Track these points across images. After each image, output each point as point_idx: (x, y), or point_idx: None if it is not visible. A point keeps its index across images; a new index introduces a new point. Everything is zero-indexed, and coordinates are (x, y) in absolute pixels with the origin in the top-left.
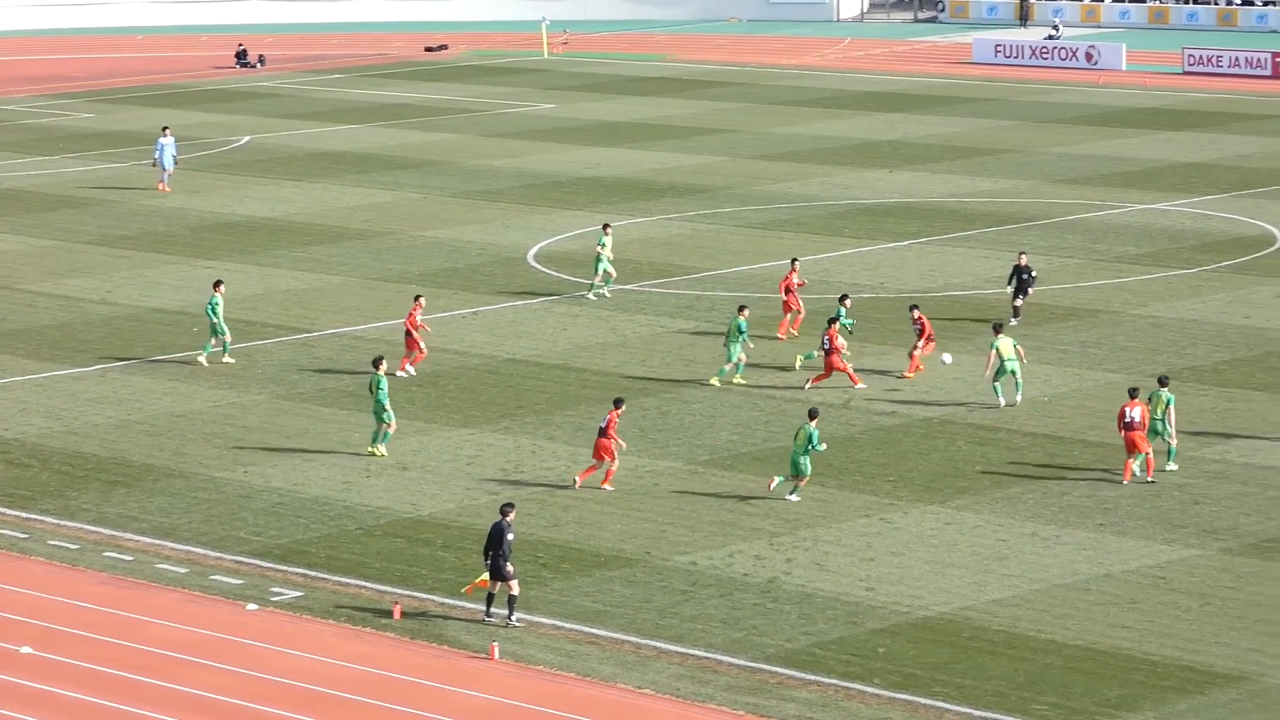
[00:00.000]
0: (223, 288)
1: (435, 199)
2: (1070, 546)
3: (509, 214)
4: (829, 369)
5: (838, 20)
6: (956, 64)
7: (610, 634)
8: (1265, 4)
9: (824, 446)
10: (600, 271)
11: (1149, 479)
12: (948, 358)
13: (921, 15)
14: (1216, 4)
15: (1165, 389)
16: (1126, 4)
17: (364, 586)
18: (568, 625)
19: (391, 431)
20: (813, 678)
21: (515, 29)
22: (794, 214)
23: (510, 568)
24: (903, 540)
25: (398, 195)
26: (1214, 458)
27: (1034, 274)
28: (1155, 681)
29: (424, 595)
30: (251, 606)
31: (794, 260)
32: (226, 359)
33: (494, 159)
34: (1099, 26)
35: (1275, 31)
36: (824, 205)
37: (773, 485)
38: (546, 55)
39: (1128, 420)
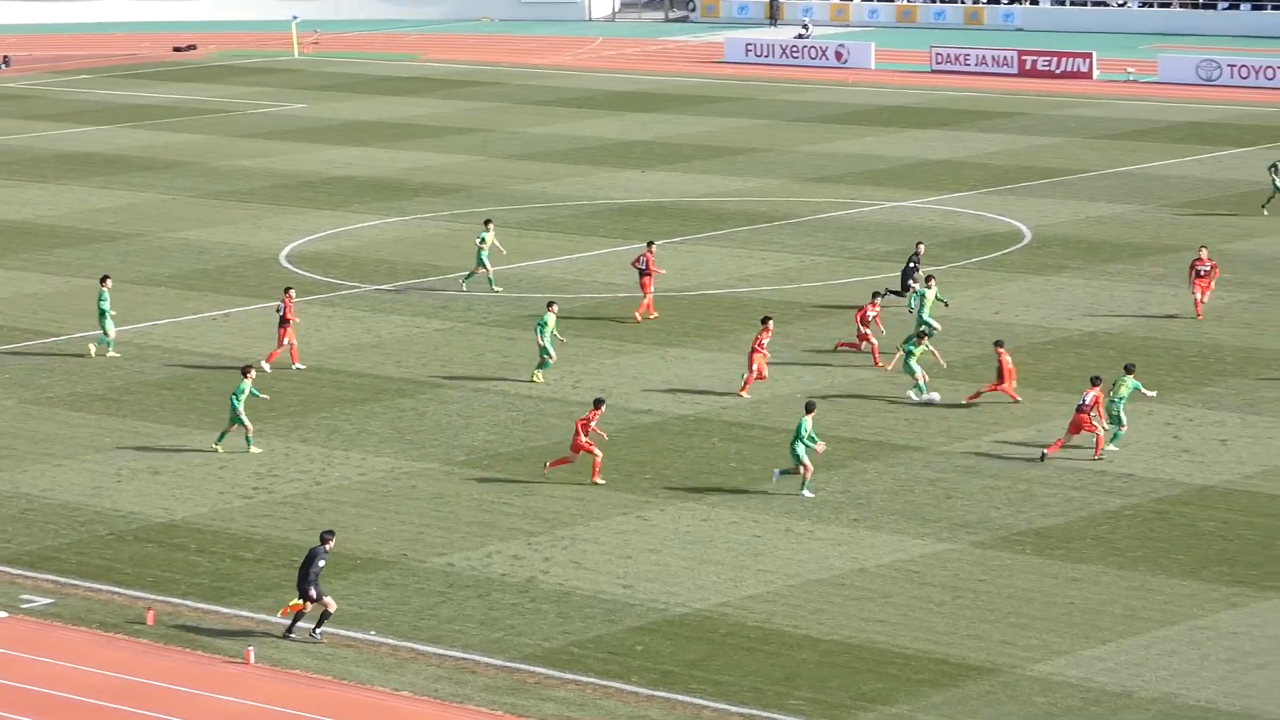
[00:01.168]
0: None
1: (184, 200)
2: (824, 542)
3: (260, 214)
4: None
5: (590, 20)
6: (708, 63)
7: (367, 637)
8: (1011, 2)
9: (821, 446)
10: (480, 263)
11: (1096, 457)
12: (936, 396)
13: (673, 15)
14: (963, 3)
15: (1130, 376)
16: (875, 3)
17: (116, 592)
18: (324, 629)
19: (250, 435)
20: (571, 676)
21: (265, 29)
22: (549, 214)
23: (315, 590)
24: (660, 537)
25: (146, 196)
26: (964, 451)
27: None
28: (909, 675)
29: (178, 600)
30: (1, 614)
31: (650, 243)
32: None
33: (244, 159)
34: (848, 26)
35: (1022, 30)
36: (578, 205)
37: (775, 479)
38: (297, 55)
39: (1081, 403)
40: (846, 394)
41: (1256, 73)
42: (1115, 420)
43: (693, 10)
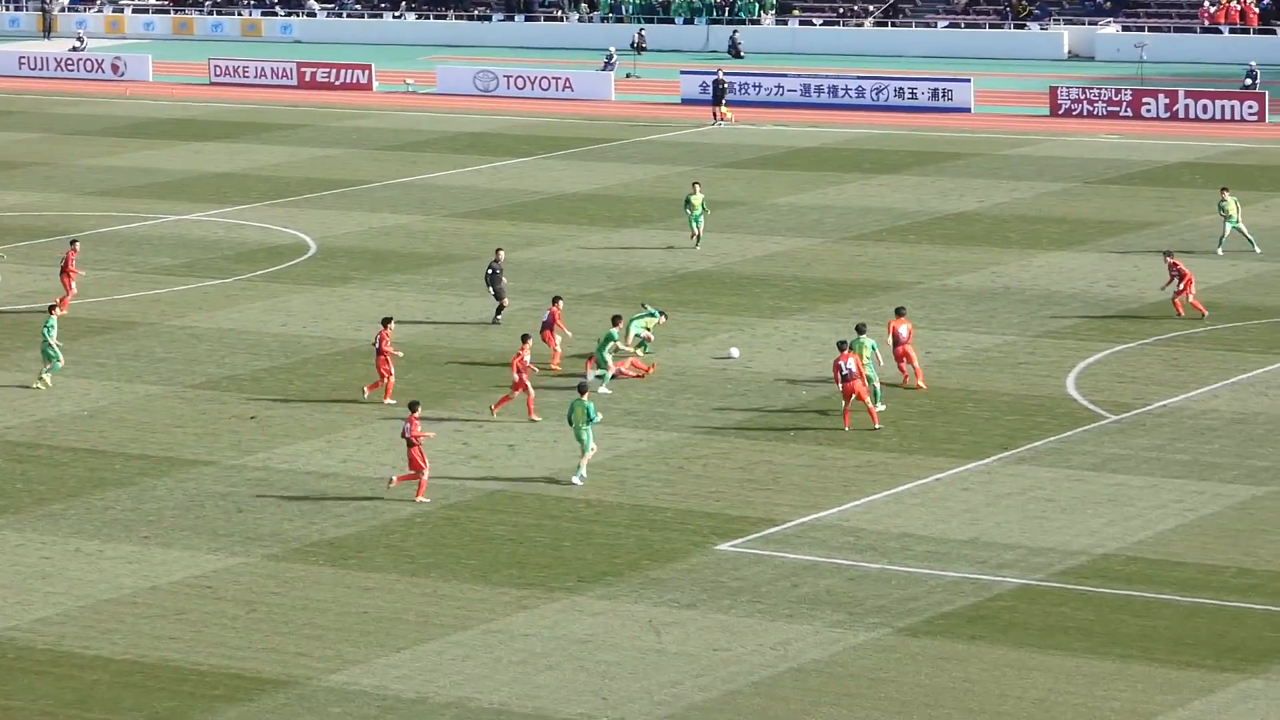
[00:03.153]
0: None
1: None
2: (115, 561)
3: None
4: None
5: None
6: None
7: None
8: (288, 14)
9: (600, 417)
10: None
11: (875, 426)
12: (735, 351)
13: None
14: (240, 15)
15: (864, 335)
16: (151, 16)
17: None
18: None
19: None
20: None
21: None
22: None
23: None
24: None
25: None
26: (256, 465)
27: (499, 270)
28: (204, 691)
29: None
30: None
31: (74, 241)
32: None
33: None
34: (124, 38)
35: (300, 42)
36: None
37: (576, 479)
38: None
39: (844, 373)
40: (135, 410)
41: (532, 83)
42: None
43: None
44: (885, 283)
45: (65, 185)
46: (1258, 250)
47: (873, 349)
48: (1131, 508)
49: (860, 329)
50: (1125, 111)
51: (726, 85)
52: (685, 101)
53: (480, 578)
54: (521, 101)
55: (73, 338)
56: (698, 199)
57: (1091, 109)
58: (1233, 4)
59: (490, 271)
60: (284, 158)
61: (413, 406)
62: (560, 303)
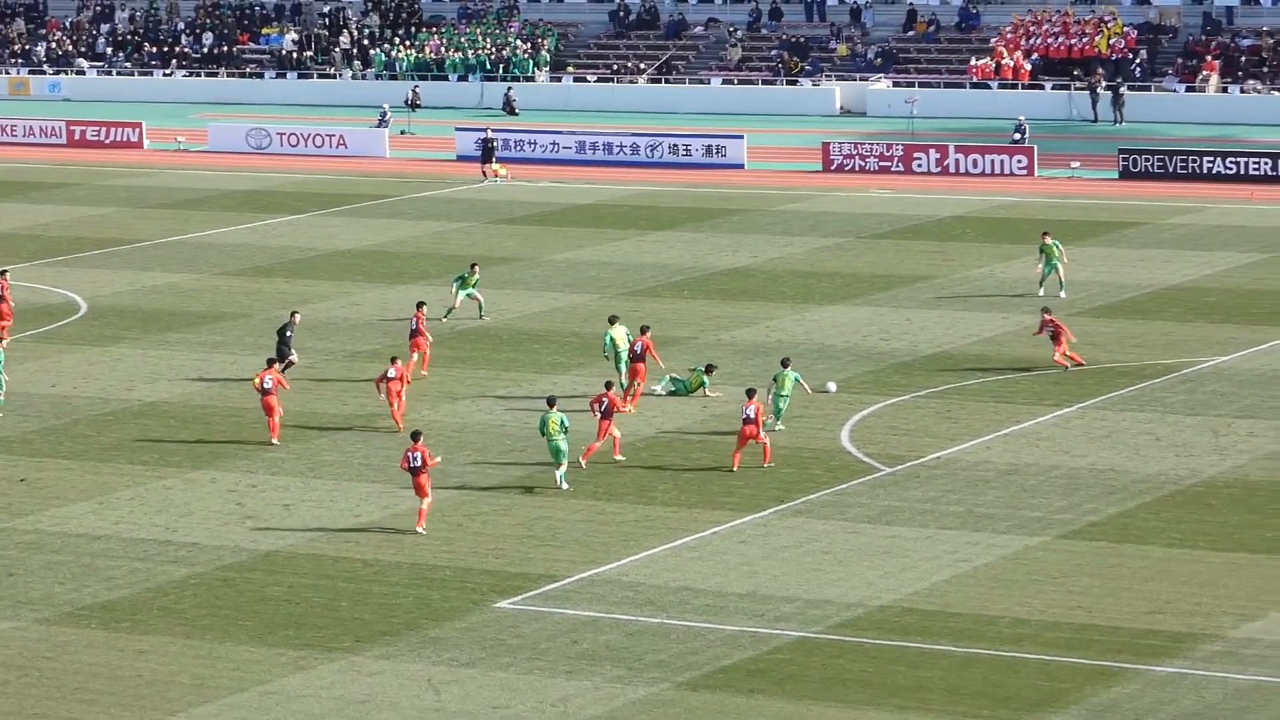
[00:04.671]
0: None
1: None
2: None
3: None
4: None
5: None
6: None
7: None
8: (57, 72)
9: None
10: None
11: (767, 465)
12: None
13: None
14: (7, 73)
15: (788, 368)
16: None
17: None
18: None
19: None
20: None
21: None
22: None
23: None
24: None
25: None
26: (27, 528)
27: (290, 335)
28: None
29: None
30: None
31: (4, 271)
32: None
33: None
34: None
35: (69, 100)
36: None
37: (560, 484)
38: None
39: (745, 415)
40: None
41: (306, 140)
42: (778, 413)
43: None
44: (661, 338)
45: None
46: (1062, 295)
47: (795, 380)
48: (907, 559)
49: (785, 362)
50: (897, 166)
51: (496, 143)
52: (460, 158)
53: (256, 639)
54: (295, 159)
55: None
56: (472, 279)
57: (864, 164)
58: (1004, 61)
59: (284, 332)
60: (53, 216)
61: (415, 437)
62: (648, 332)
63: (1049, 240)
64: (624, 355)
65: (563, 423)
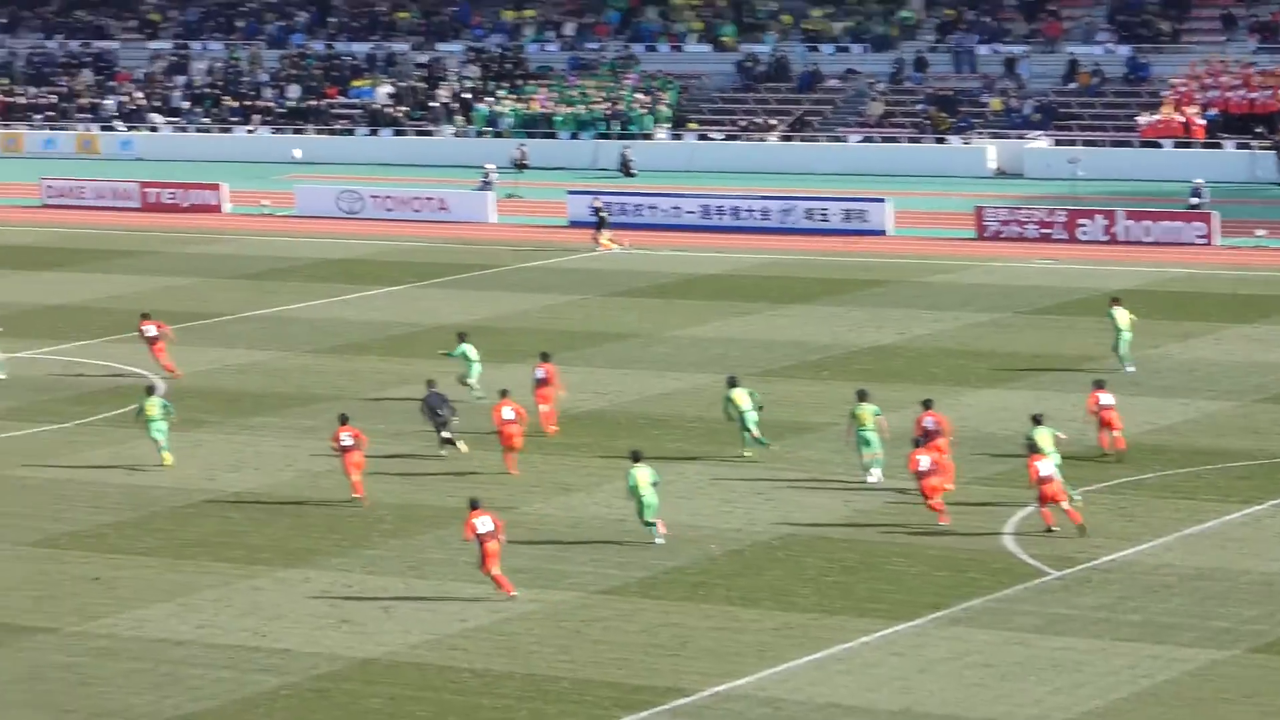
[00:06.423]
0: None
1: None
2: None
3: None
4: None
5: None
6: None
7: None
8: (129, 128)
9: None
10: None
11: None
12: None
13: None
14: (75, 130)
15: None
16: None
17: None
18: None
19: None
20: None
21: None
22: None
23: None
24: None
25: None
26: (101, 632)
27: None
28: None
29: None
30: None
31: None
32: None
33: None
34: None
35: (142, 159)
36: None
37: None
38: None
39: (1043, 478)
40: None
41: (402, 204)
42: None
43: None
44: (797, 423)
45: None
46: (1128, 370)
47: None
48: (1079, 674)
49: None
50: (1059, 233)
51: (607, 213)
52: (573, 224)
53: None
54: (391, 224)
55: None
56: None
57: (1022, 231)
58: (1175, 118)
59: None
60: (126, 288)
61: (474, 505)
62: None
63: (1117, 309)
64: (748, 416)
65: (652, 476)
